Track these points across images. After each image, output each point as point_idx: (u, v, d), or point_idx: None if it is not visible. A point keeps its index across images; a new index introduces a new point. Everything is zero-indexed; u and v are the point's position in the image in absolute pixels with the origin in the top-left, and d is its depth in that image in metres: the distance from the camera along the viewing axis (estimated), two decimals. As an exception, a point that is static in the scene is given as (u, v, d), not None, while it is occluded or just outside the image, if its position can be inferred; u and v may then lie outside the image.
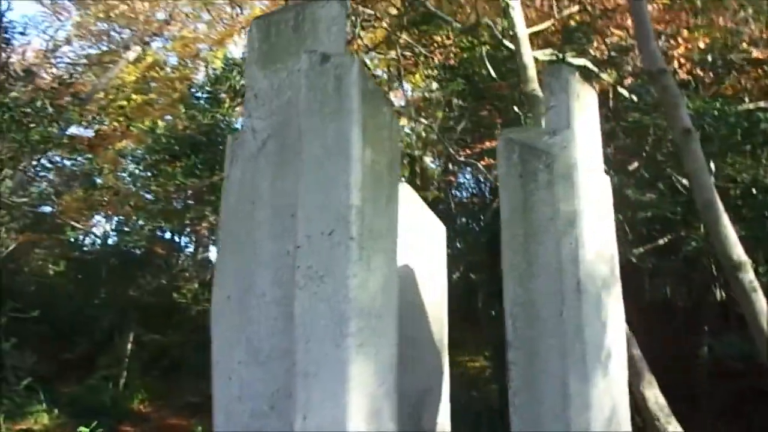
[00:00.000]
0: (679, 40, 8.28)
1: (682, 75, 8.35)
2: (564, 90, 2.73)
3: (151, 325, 12.91)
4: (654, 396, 4.94)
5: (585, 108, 2.85)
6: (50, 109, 9.34)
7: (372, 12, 8.57)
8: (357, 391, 1.83)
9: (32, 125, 8.62)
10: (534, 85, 6.04)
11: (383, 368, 1.94)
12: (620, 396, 2.83)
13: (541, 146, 2.61)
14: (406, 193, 3.68)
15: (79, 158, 12.13)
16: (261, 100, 2.21)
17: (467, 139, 10.05)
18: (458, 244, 10.61)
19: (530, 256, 2.62)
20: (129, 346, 12.53)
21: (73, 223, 11.84)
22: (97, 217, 13.06)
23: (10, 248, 10.54)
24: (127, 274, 11.27)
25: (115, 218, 12.80)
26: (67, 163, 12.44)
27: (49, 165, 12.11)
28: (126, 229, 12.06)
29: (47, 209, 12.44)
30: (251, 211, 2.19)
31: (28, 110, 8.45)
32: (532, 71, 6.12)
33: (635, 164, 8.11)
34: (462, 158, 9.10)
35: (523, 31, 6.22)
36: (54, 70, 11.04)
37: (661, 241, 8.71)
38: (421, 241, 3.55)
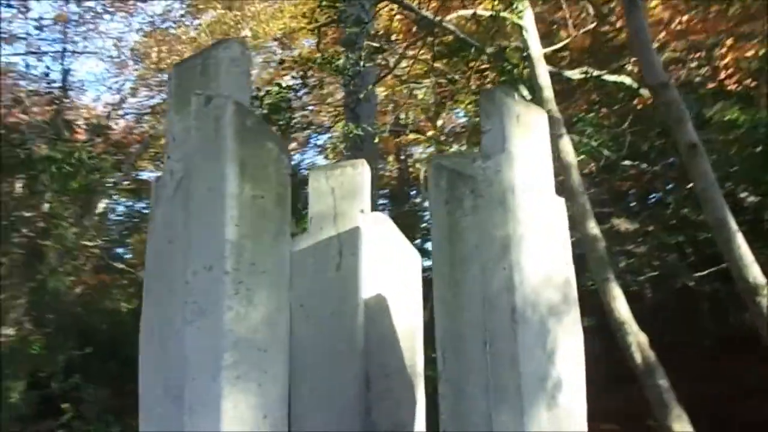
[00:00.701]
0: (724, 49, 7.87)
1: (731, 86, 7.91)
2: (498, 113, 2.67)
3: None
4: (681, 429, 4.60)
5: (529, 130, 2.77)
6: (116, 157, 10.02)
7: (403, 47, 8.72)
8: (234, 424, 1.85)
9: (100, 173, 9.33)
10: (551, 106, 5.92)
11: (268, 402, 1.95)
12: (576, 427, 2.67)
13: (468, 171, 2.56)
14: (382, 223, 3.71)
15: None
16: (177, 143, 2.32)
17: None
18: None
19: (456, 287, 2.55)
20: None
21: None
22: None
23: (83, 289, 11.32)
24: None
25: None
26: (138, 205, 13.34)
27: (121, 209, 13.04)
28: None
29: (120, 250, 13.29)
30: (169, 250, 2.29)
31: (95, 160, 9.16)
32: (548, 92, 6.00)
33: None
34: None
35: (537, 52, 6.13)
36: (121, 122, 11.91)
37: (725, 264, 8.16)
38: (395, 271, 3.56)
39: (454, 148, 11.61)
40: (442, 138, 11.36)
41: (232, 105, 1.98)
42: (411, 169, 14.33)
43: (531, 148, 2.77)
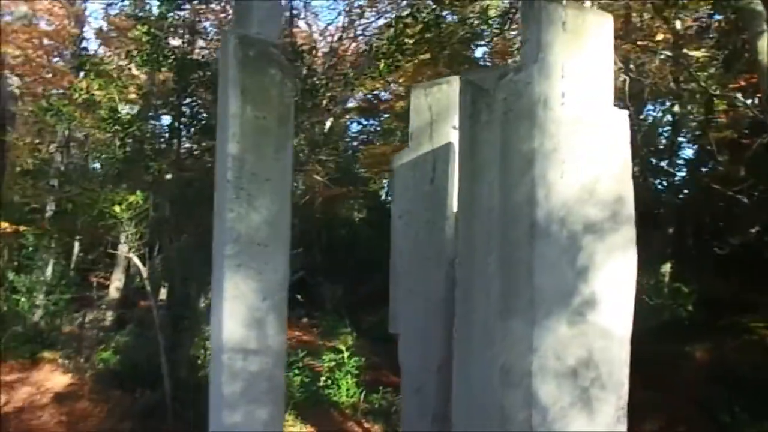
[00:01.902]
0: None
1: None
2: (536, 19, 2.53)
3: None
4: None
5: (578, 37, 2.55)
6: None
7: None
8: (235, 302, 2.32)
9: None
10: (751, -3, 4.91)
11: (268, 287, 2.37)
12: (614, 348, 2.57)
13: (487, 85, 2.52)
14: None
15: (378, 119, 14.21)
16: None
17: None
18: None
19: (472, 198, 2.60)
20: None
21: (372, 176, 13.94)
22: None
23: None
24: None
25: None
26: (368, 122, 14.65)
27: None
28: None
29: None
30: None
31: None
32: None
33: None
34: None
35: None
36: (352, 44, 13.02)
37: None
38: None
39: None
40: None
41: (235, 38, 2.33)
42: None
43: (579, 56, 2.56)
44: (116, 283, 12.11)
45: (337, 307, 12.31)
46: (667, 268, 9.27)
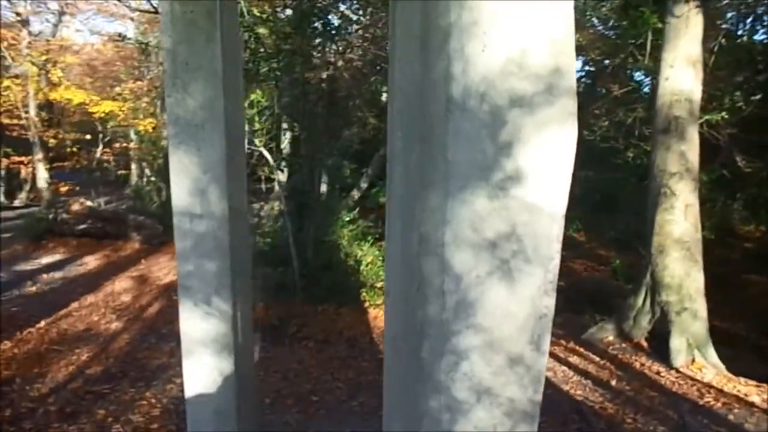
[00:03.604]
0: None
1: None
2: None
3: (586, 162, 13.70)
4: None
5: None
6: None
7: None
8: (181, 174, 2.79)
9: None
10: None
11: (207, 162, 2.78)
12: (543, 223, 2.57)
13: None
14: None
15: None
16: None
17: None
18: None
19: (403, 78, 2.68)
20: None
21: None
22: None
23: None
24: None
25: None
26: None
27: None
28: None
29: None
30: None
31: None
32: None
33: None
34: None
35: None
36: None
37: None
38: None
39: None
40: None
41: (161, -58, 2.63)
42: None
43: None
44: (280, 176, 13.53)
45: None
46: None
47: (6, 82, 13.79)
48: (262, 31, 8.80)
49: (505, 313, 2.73)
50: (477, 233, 2.65)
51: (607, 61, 14.00)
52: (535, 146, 2.58)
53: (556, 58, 2.55)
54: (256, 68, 8.18)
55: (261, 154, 9.11)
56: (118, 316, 8.48)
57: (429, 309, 2.77)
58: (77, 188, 15.69)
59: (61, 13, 17.74)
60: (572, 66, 2.57)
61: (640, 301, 8.09)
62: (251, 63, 8.07)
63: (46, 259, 11.52)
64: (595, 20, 12.93)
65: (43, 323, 8.01)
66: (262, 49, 8.47)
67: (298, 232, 8.90)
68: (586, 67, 16.95)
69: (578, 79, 18.90)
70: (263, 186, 14.77)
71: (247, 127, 8.72)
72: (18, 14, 15.57)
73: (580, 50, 14.40)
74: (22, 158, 15.15)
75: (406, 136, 2.79)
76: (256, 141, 8.53)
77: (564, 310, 9.28)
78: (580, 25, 12.91)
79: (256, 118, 8.34)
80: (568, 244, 14.03)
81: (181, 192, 2.82)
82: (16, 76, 14.45)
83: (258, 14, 8.88)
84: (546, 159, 2.61)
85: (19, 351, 6.97)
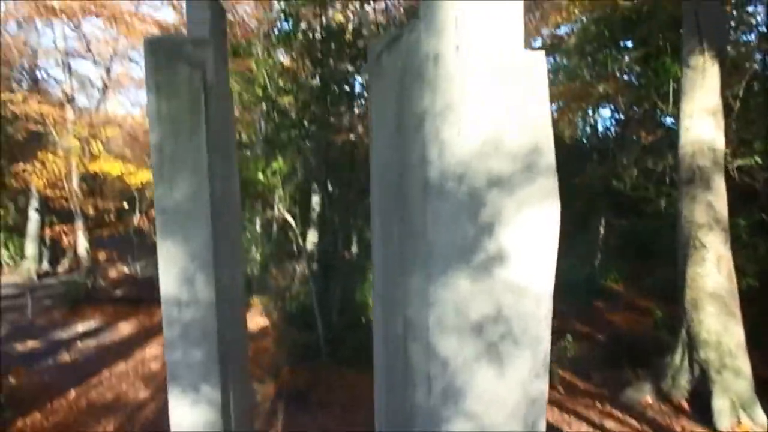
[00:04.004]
0: None
1: None
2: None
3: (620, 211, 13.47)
4: None
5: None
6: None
7: None
8: (169, 263, 2.84)
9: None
10: None
11: (194, 250, 2.83)
12: (528, 303, 2.51)
13: (386, 40, 2.57)
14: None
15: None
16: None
17: None
18: None
19: (381, 158, 2.74)
20: (601, 230, 13.52)
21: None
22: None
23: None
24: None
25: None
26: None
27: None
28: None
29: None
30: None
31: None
32: None
33: None
34: None
35: None
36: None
37: None
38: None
39: None
40: None
41: (148, 44, 2.77)
42: None
43: (476, 5, 2.44)
44: (311, 236, 13.66)
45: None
46: None
47: (51, 157, 14.52)
48: (285, 100, 9.09)
49: (494, 399, 2.64)
50: (461, 316, 2.60)
51: (635, 108, 13.90)
52: (517, 225, 2.56)
53: (533, 137, 2.55)
54: (279, 137, 8.41)
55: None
56: (146, 385, 8.57)
57: (416, 395, 2.71)
58: (115, 255, 16.25)
59: (105, 88, 18.73)
60: (550, 144, 2.56)
61: (678, 359, 7.72)
62: (276, 133, 8.32)
63: (81, 326, 11.81)
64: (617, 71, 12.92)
65: (73, 393, 8.14)
66: (285, 119, 8.72)
67: (323, 292, 8.93)
68: (616, 115, 16.86)
69: (606, 128, 18.73)
70: (295, 248, 14.94)
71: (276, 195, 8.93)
72: (65, 93, 16.50)
73: (607, 99, 14.35)
74: (64, 227, 15.79)
75: (387, 219, 2.80)
76: (280, 206, 8.70)
77: (604, 366, 8.93)
78: (603, 75, 12.91)
79: (279, 186, 8.51)
80: (607, 295, 13.62)
81: (168, 281, 2.87)
82: (61, 150, 15.21)
83: (282, 85, 9.19)
84: (528, 238, 2.58)
85: (48, 422, 7.08)
